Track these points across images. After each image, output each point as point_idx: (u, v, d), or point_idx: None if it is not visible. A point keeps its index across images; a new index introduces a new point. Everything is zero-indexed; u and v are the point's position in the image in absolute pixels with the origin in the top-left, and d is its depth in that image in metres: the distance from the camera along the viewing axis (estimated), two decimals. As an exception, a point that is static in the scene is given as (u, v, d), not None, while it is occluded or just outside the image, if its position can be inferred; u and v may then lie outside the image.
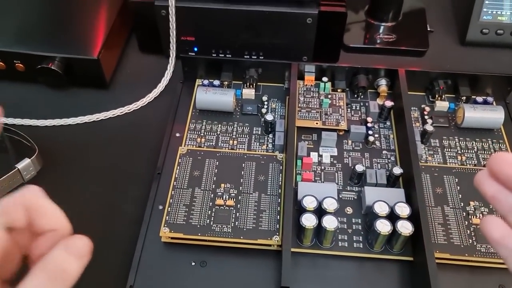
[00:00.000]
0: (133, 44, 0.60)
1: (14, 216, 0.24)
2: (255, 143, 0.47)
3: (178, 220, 0.40)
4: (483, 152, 0.47)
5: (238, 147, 0.47)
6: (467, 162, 0.46)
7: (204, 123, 0.49)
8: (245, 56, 0.55)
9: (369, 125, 0.48)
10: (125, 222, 0.43)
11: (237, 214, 0.41)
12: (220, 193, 0.42)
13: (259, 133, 0.48)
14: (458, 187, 0.43)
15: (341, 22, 0.53)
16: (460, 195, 0.43)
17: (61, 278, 0.23)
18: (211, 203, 0.41)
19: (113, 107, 0.53)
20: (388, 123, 0.49)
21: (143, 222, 0.42)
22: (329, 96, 0.50)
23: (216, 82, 0.51)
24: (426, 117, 0.49)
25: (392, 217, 0.39)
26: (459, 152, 0.47)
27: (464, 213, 0.42)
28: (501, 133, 0.48)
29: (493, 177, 0.27)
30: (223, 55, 0.55)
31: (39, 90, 0.53)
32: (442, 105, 0.50)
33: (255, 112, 0.50)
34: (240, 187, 0.43)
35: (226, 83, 0.51)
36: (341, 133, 0.48)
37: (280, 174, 0.43)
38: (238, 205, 0.41)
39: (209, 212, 0.41)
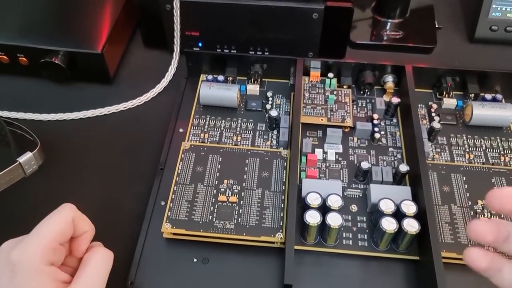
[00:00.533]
0: (137, 39, 0.59)
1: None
2: (259, 139, 0.47)
3: (180, 216, 0.40)
4: (491, 150, 0.46)
5: (242, 143, 0.46)
6: (475, 161, 0.45)
7: (208, 118, 0.48)
8: (250, 52, 0.55)
9: (375, 122, 0.47)
10: (126, 218, 0.43)
11: (240, 210, 0.40)
12: (223, 189, 0.41)
13: (263, 129, 0.47)
14: (466, 186, 0.42)
15: (347, 17, 0.52)
16: (467, 194, 0.42)
17: (109, 258, 0.33)
18: (213, 199, 0.41)
19: (116, 102, 0.52)
20: (394, 120, 0.48)
21: (144, 217, 0.41)
22: (335, 93, 0.49)
23: (221, 78, 0.50)
24: (433, 114, 0.49)
25: (398, 215, 0.38)
26: (467, 150, 0.46)
27: (472, 212, 0.41)
28: (510, 131, 0.47)
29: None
30: (227, 51, 0.55)
31: (43, 84, 0.53)
32: (449, 102, 0.49)
33: (259, 108, 0.49)
34: (244, 184, 0.42)
35: (230, 78, 0.51)
36: (346, 130, 0.47)
37: (284, 171, 0.43)
38: (241, 202, 0.41)
39: (212, 208, 0.40)
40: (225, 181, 0.42)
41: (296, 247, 0.38)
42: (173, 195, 0.41)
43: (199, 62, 0.51)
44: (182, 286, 0.38)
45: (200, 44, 0.55)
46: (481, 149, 0.46)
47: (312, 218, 0.37)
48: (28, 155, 0.43)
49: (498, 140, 0.47)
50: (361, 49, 0.59)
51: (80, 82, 0.54)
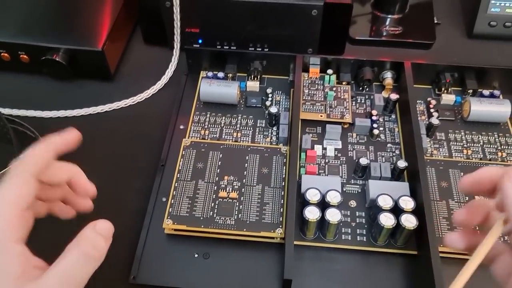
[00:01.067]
0: (138, 36, 0.59)
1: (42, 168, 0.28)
2: (259, 135, 0.47)
3: (181, 212, 0.40)
4: (489, 146, 0.46)
5: (242, 139, 0.47)
6: (473, 156, 0.46)
7: (208, 115, 0.49)
8: (250, 48, 0.55)
9: (374, 118, 0.48)
10: (128, 214, 0.43)
11: (241, 206, 0.41)
12: (224, 186, 0.42)
13: (263, 125, 0.48)
14: (464, 181, 0.43)
15: (346, 14, 0.52)
16: (465, 189, 0.42)
17: (93, 254, 0.27)
18: (214, 196, 0.41)
19: (117, 99, 0.53)
20: (393, 116, 0.49)
21: (146, 214, 0.42)
22: (334, 89, 0.50)
23: (221, 74, 0.51)
24: (432, 110, 0.49)
25: (396, 210, 0.39)
26: (465, 145, 0.47)
27: (469, 207, 0.41)
28: (507, 126, 0.48)
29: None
30: (227, 47, 0.55)
31: (44, 81, 0.53)
32: (448, 98, 0.50)
33: (259, 104, 0.49)
34: (244, 180, 0.42)
35: (230, 75, 0.51)
36: (345, 126, 0.47)
37: (284, 167, 0.43)
38: (242, 198, 0.41)
39: (212, 204, 0.41)
40: (226, 177, 0.43)
41: (295, 242, 0.39)
42: (174, 191, 0.41)
43: (199, 59, 0.52)
44: (184, 281, 0.38)
45: (200, 41, 0.55)
46: (479, 145, 0.47)
47: (312, 214, 0.38)
48: (30, 152, 0.44)
49: (496, 135, 0.47)
50: (361, 45, 0.59)
51: (81, 79, 0.54)
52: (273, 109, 0.46)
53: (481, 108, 0.47)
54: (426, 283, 0.36)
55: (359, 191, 0.43)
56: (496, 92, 0.49)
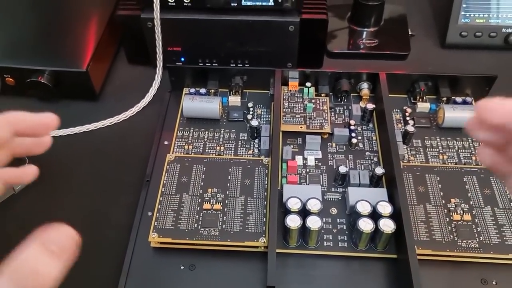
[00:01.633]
0: (121, 56, 0.61)
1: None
2: (242, 148, 0.48)
3: (166, 225, 0.41)
4: (463, 150, 0.48)
5: (225, 152, 0.48)
6: (449, 161, 0.47)
7: (192, 130, 0.50)
8: (231, 65, 0.57)
9: (352, 127, 0.49)
10: (115, 230, 0.44)
11: (224, 217, 0.42)
12: (208, 198, 0.43)
13: (245, 138, 0.49)
14: (440, 185, 0.44)
15: (322, 29, 0.54)
16: (441, 193, 0.44)
17: (32, 283, 0.20)
18: (198, 208, 0.42)
19: (103, 118, 0.54)
20: (370, 125, 0.50)
21: (132, 228, 0.43)
22: (313, 101, 0.51)
23: (203, 91, 0.52)
24: (408, 118, 0.51)
25: (375, 215, 0.40)
26: (440, 151, 0.48)
27: (446, 210, 0.43)
28: (480, 131, 0.50)
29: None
30: (209, 64, 0.57)
31: (30, 103, 0.55)
32: (423, 106, 0.52)
33: (241, 118, 0.51)
34: (227, 191, 0.44)
35: (212, 91, 0.53)
36: (325, 136, 0.49)
37: (266, 178, 0.45)
38: (225, 209, 0.42)
39: (197, 216, 0.42)
40: (209, 189, 0.44)
41: (279, 250, 0.40)
42: (159, 205, 0.42)
43: (181, 76, 0.53)
44: (171, 293, 0.39)
45: (182, 59, 0.57)
46: (454, 150, 0.48)
47: (293, 221, 0.39)
48: (17, 172, 0.45)
49: (470, 140, 0.49)
50: (339, 58, 0.61)
51: (66, 99, 0.55)
52: (254, 122, 0.48)
53: (454, 114, 0.49)
54: (405, 285, 0.37)
55: (340, 198, 0.44)
56: (469, 99, 0.51)
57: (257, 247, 0.40)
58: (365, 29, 0.63)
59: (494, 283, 0.39)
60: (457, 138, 0.49)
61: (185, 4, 0.52)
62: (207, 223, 0.41)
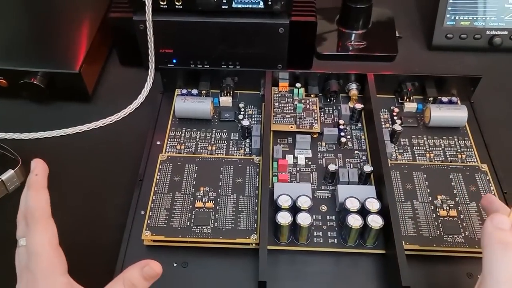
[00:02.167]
0: (114, 58, 0.61)
1: None
2: (233, 148, 0.49)
3: (159, 223, 0.42)
4: (450, 149, 0.49)
5: (216, 152, 0.49)
6: (435, 159, 0.49)
7: (184, 130, 0.51)
8: (222, 66, 0.57)
9: (341, 127, 0.50)
10: (109, 229, 0.45)
11: (216, 215, 0.42)
12: (200, 196, 0.44)
13: (237, 138, 0.50)
14: (427, 182, 0.46)
15: (312, 31, 0.55)
16: (428, 190, 0.45)
17: None
18: (191, 206, 0.43)
19: (95, 119, 0.54)
20: (359, 125, 0.51)
21: (125, 227, 0.43)
22: (303, 101, 0.52)
23: (195, 91, 0.53)
24: (395, 117, 0.52)
25: (363, 212, 0.41)
26: (427, 149, 0.49)
27: (432, 207, 0.44)
28: (466, 130, 0.51)
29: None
30: (201, 66, 0.58)
31: (23, 104, 0.55)
32: (410, 106, 0.53)
33: (232, 118, 0.52)
34: (219, 190, 0.44)
35: (204, 92, 0.53)
36: (315, 135, 0.50)
37: (257, 176, 0.45)
38: (217, 207, 0.43)
39: (189, 214, 0.42)
40: (201, 188, 0.44)
41: (270, 247, 0.41)
42: (152, 204, 0.43)
43: (173, 78, 0.54)
44: (164, 289, 0.39)
45: (174, 61, 0.58)
46: (440, 148, 0.49)
47: (283, 218, 0.40)
48: (10, 172, 0.45)
49: (456, 139, 0.50)
50: (328, 60, 0.62)
51: (59, 101, 0.56)
52: (245, 122, 0.49)
53: (440, 114, 0.50)
54: (394, 280, 0.38)
55: (329, 196, 0.45)
56: (454, 99, 0.53)
57: (248, 244, 0.41)
58: (354, 31, 0.64)
59: (479, 277, 0.40)
60: (443, 137, 0.50)
61: (176, 6, 0.53)
62: (199, 221, 0.42)
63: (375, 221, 0.40)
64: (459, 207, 0.44)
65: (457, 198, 0.44)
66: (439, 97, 0.53)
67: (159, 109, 0.53)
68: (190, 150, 0.49)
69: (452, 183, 0.46)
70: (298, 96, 0.53)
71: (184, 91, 0.53)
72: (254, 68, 0.54)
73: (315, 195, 0.45)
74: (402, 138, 0.50)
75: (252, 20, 0.53)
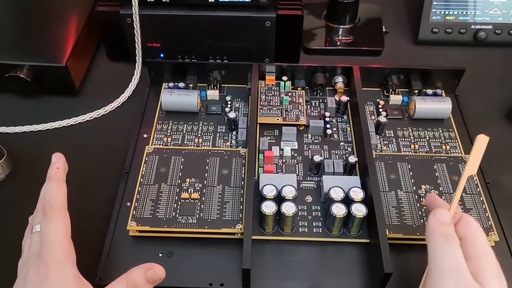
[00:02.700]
0: (101, 52, 0.61)
1: None
2: (220, 140, 0.49)
3: (145, 214, 0.42)
4: (434, 140, 0.50)
5: (203, 144, 0.49)
6: (420, 150, 0.49)
7: (171, 123, 0.51)
8: (210, 60, 0.58)
9: (327, 119, 0.51)
10: (95, 221, 0.44)
11: (202, 206, 0.43)
12: (186, 187, 0.44)
13: (224, 131, 0.50)
14: (411, 173, 0.46)
15: (298, 24, 0.56)
16: (412, 180, 0.46)
17: None
18: (176, 197, 0.43)
19: (82, 113, 0.54)
20: (345, 117, 0.52)
21: (111, 219, 0.43)
22: (289, 94, 0.52)
23: (182, 85, 0.53)
24: (381, 110, 0.52)
25: (347, 201, 0.41)
26: (412, 141, 0.50)
27: (416, 196, 0.44)
28: (450, 122, 0.52)
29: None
30: (188, 59, 0.58)
31: (9, 98, 0.55)
32: (396, 98, 0.53)
33: (219, 111, 0.52)
34: (205, 181, 0.44)
35: (191, 85, 0.54)
36: (301, 128, 0.50)
37: (243, 168, 0.46)
38: (203, 198, 0.43)
39: (175, 205, 0.43)
40: (187, 179, 0.45)
41: (255, 237, 0.41)
42: (138, 195, 0.43)
43: (161, 71, 0.54)
44: (149, 279, 0.39)
45: (162, 55, 0.58)
46: (425, 140, 0.50)
47: (268, 208, 0.40)
48: (-5, 164, 0.45)
49: (440, 130, 0.51)
50: (315, 54, 0.63)
51: (46, 95, 0.56)
52: (232, 115, 0.49)
53: (425, 106, 0.51)
54: (377, 268, 0.39)
55: (315, 187, 0.45)
56: (439, 91, 0.53)
57: (234, 233, 0.41)
58: (341, 26, 0.65)
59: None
60: (428, 128, 0.51)
61: (163, 0, 0.53)
62: (185, 211, 0.42)
63: (359, 210, 0.40)
64: (443, 197, 0.44)
65: (440, 188, 0.45)
66: (424, 90, 0.53)
67: (146, 102, 0.53)
68: (177, 142, 0.49)
69: (436, 173, 0.46)
70: (284, 89, 0.53)
71: (171, 84, 0.53)
72: (241, 61, 0.54)
73: (301, 186, 0.45)
74: (387, 130, 0.51)
75: (239, 14, 0.54)
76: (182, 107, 0.51)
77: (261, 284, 0.40)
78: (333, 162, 0.46)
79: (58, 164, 0.38)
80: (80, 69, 0.57)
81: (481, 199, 0.44)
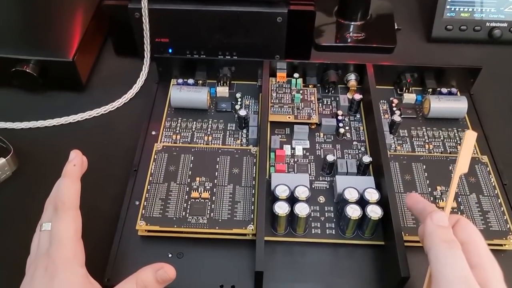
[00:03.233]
0: (109, 47, 0.60)
1: None
2: (230, 138, 0.48)
3: (154, 213, 0.41)
4: (449, 140, 0.49)
5: (213, 142, 0.48)
6: (434, 150, 0.48)
7: (180, 120, 0.50)
8: (219, 56, 0.56)
9: (339, 118, 0.50)
10: (103, 220, 0.44)
11: (212, 206, 0.42)
12: (196, 186, 0.43)
13: (234, 128, 0.49)
14: (426, 174, 0.45)
15: (310, 20, 0.54)
16: (427, 181, 0.44)
17: None
18: (186, 196, 0.42)
19: (89, 109, 0.53)
20: (358, 116, 0.51)
21: (119, 218, 0.42)
22: (301, 92, 0.51)
23: (191, 81, 0.52)
24: (394, 109, 0.51)
25: (362, 202, 0.40)
26: (426, 141, 0.49)
27: (432, 198, 0.43)
28: (465, 122, 0.50)
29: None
30: (197, 55, 0.57)
31: (15, 93, 0.54)
32: (409, 97, 0.52)
33: (229, 109, 0.51)
34: (215, 180, 0.43)
35: (200, 82, 0.52)
36: (313, 126, 0.49)
37: (254, 167, 0.45)
38: (213, 197, 0.42)
39: (185, 205, 0.42)
40: (197, 178, 0.44)
41: (267, 238, 0.40)
42: (147, 194, 0.42)
43: (169, 67, 0.53)
44: (158, 281, 0.38)
45: (170, 50, 0.57)
46: (440, 140, 0.49)
47: (281, 209, 0.39)
48: (1, 161, 0.44)
49: (455, 130, 0.50)
50: (326, 51, 0.62)
51: (52, 90, 0.55)
52: (242, 112, 0.48)
53: (440, 105, 0.50)
54: (392, 272, 0.38)
55: (327, 187, 0.44)
56: (454, 90, 0.52)
57: (245, 234, 0.40)
58: (352, 23, 0.64)
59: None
60: (442, 128, 0.50)
61: (173, -6, 0.52)
62: (195, 211, 0.41)
63: (374, 212, 0.39)
64: (459, 199, 0.43)
65: (457, 190, 0.44)
66: (438, 89, 0.52)
67: (154, 99, 0.52)
68: (186, 140, 0.48)
69: (452, 174, 0.45)
70: (296, 87, 0.52)
71: (180, 80, 0.52)
72: (252, 58, 0.53)
73: (313, 186, 0.44)
74: (401, 129, 0.50)
75: (250, 9, 0.52)
76: (191, 104, 0.50)
77: (273, 286, 0.39)
78: (346, 162, 0.45)
79: (75, 162, 0.37)
80: (87, 64, 0.56)
81: (499, 201, 0.43)
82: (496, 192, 0.43)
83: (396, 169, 0.45)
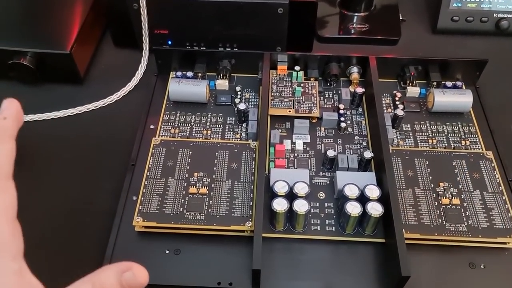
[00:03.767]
0: (107, 39, 0.59)
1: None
2: (229, 132, 0.47)
3: (151, 209, 0.40)
4: (453, 135, 0.48)
5: (211, 136, 0.47)
6: (438, 145, 0.47)
7: (178, 114, 0.49)
8: (219, 48, 0.55)
9: (341, 112, 0.49)
10: (99, 215, 0.43)
11: (210, 201, 0.41)
12: (193, 182, 0.42)
13: (233, 122, 0.48)
14: (429, 169, 0.44)
15: (312, 11, 0.53)
16: (430, 177, 0.43)
17: None
18: (184, 192, 0.42)
19: (87, 102, 0.52)
20: (360, 109, 0.50)
21: (116, 213, 0.42)
22: (302, 85, 0.50)
23: (190, 74, 0.51)
24: (397, 102, 0.50)
25: (363, 199, 0.39)
26: (430, 135, 0.48)
27: (434, 194, 0.42)
28: (470, 116, 0.49)
29: None
30: (197, 47, 0.56)
31: (12, 86, 0.53)
32: (413, 90, 0.51)
33: (228, 102, 0.50)
34: (213, 175, 0.43)
35: (199, 74, 0.52)
36: (314, 120, 0.48)
37: (253, 162, 0.44)
38: (211, 193, 0.41)
39: (182, 200, 0.41)
40: (195, 173, 0.43)
41: (266, 234, 0.39)
42: (144, 189, 0.42)
43: (168, 60, 0.52)
44: (155, 277, 0.38)
45: (169, 42, 0.56)
46: (444, 134, 0.48)
47: (279, 205, 0.38)
48: (-3, 155, 0.43)
49: (459, 125, 0.48)
50: (329, 43, 0.60)
51: (50, 82, 0.54)
52: (242, 106, 0.47)
53: (444, 99, 0.48)
54: (393, 269, 0.37)
55: (328, 183, 0.44)
56: (459, 83, 0.51)
57: (243, 231, 0.40)
58: (356, 14, 0.62)
59: (482, 266, 0.39)
60: (446, 122, 0.49)
61: (171, -15, 0.51)
62: (192, 207, 0.40)
63: (375, 209, 0.38)
64: (462, 195, 0.42)
65: (460, 186, 0.43)
66: (443, 82, 0.51)
67: (153, 92, 0.51)
68: (185, 134, 0.47)
69: (456, 170, 0.44)
70: (297, 80, 0.51)
71: (179, 73, 0.51)
72: (252, 50, 0.52)
73: (313, 182, 0.44)
74: (404, 124, 0.48)
75: (251, 0, 0.51)
76: (190, 97, 0.49)
77: (271, 284, 0.38)
78: (347, 157, 0.44)
79: (6, 113, 0.26)
80: (85, 57, 0.55)
81: (504, 198, 0.42)
82: (500, 189, 0.42)
83: (398, 165, 0.44)
